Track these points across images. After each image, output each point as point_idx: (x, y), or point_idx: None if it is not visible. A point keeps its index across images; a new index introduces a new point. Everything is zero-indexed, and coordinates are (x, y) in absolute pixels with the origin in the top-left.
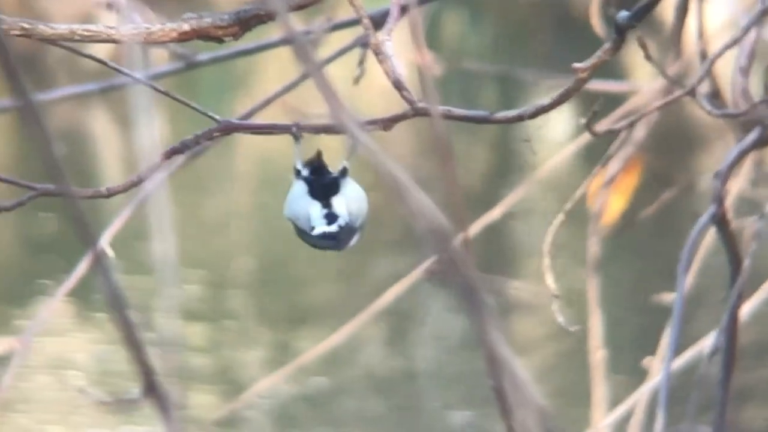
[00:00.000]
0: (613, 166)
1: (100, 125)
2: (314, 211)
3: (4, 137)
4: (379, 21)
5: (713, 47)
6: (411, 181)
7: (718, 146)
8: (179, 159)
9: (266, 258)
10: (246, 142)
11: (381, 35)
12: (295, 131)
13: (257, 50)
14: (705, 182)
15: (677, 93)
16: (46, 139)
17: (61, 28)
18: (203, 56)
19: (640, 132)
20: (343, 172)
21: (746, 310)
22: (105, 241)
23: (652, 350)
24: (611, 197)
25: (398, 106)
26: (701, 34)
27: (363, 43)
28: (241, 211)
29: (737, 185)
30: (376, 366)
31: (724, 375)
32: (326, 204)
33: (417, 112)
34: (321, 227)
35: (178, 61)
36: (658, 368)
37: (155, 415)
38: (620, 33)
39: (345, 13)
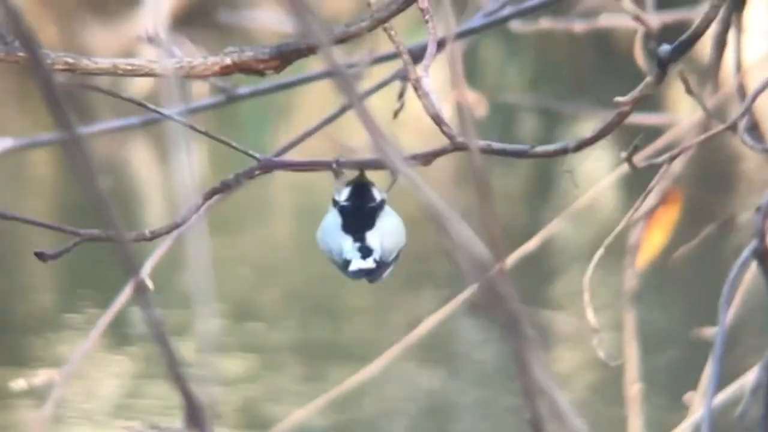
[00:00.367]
0: (652, 199)
1: (140, 158)
2: (347, 244)
3: (47, 169)
4: (418, 55)
5: (751, 81)
6: (453, 213)
7: (759, 180)
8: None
9: (302, 290)
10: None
11: (419, 71)
12: (336, 167)
13: (297, 83)
14: (746, 217)
15: (719, 128)
16: (91, 174)
17: (104, 62)
18: (244, 89)
19: (678, 165)
20: (381, 204)
21: None
22: (145, 274)
23: (693, 386)
24: (651, 231)
25: (436, 140)
26: (739, 68)
27: (402, 77)
28: (278, 242)
29: None
30: (410, 399)
31: (766, 411)
32: (360, 237)
33: (456, 147)
34: (357, 262)
35: (219, 94)
36: (699, 403)
37: None
38: (662, 67)
39: (385, 47)
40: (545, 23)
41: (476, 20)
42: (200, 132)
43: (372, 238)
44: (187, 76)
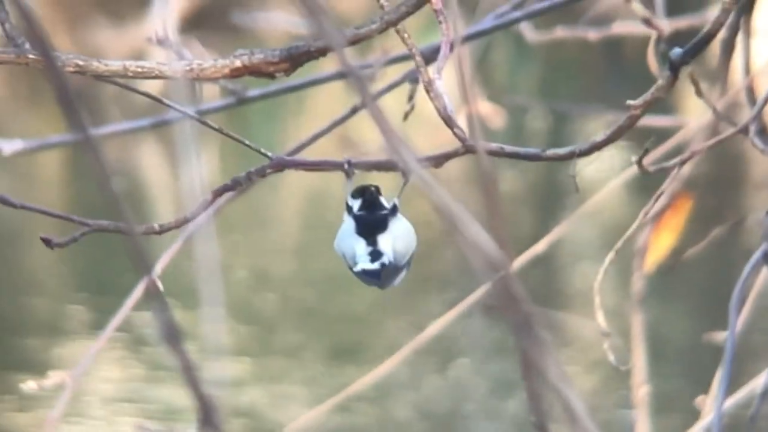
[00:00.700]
0: (662, 202)
1: (151, 160)
2: (359, 248)
3: (56, 171)
4: (429, 57)
5: (760, 83)
6: (466, 214)
7: None
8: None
9: (311, 293)
10: (293, 174)
11: (431, 73)
12: (348, 168)
13: (308, 86)
14: (756, 219)
15: (730, 132)
16: (105, 174)
17: (115, 64)
18: (254, 92)
19: (687, 168)
20: (394, 210)
21: None
22: (155, 275)
23: (705, 389)
24: (659, 234)
25: (445, 143)
26: (748, 71)
27: (412, 79)
28: (287, 246)
29: None
30: (421, 401)
31: None
32: (372, 242)
33: (468, 150)
34: (363, 264)
35: (229, 97)
36: (710, 407)
37: None
38: (674, 70)
39: (397, 48)
40: (560, 32)
41: (487, 22)
42: (214, 129)
43: (384, 242)
44: (196, 79)
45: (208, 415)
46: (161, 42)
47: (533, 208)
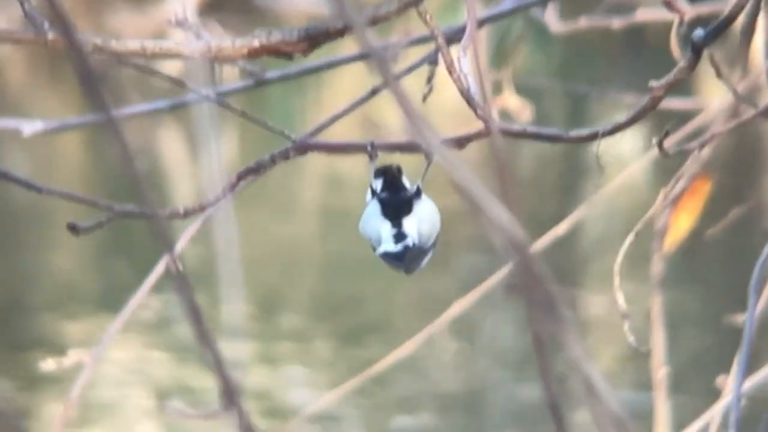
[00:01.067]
0: (681, 183)
1: (170, 143)
2: (384, 230)
3: (74, 154)
4: (450, 38)
5: None
6: (489, 194)
7: None
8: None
9: (330, 277)
10: (313, 157)
11: (456, 52)
12: (371, 150)
13: (327, 67)
14: None
15: (750, 114)
16: (128, 155)
17: (133, 44)
18: (272, 73)
19: (707, 150)
20: (418, 192)
21: None
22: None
23: (726, 371)
24: (679, 215)
25: (464, 125)
26: None
27: (431, 61)
28: (307, 231)
29: None
30: (440, 383)
31: None
32: (397, 224)
33: (490, 131)
34: (386, 246)
35: (248, 78)
36: (731, 387)
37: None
38: (696, 51)
39: (416, 31)
40: (584, 21)
41: (506, 4)
42: (235, 111)
43: (409, 224)
44: (215, 59)
45: (230, 394)
46: (180, 24)
47: (555, 191)
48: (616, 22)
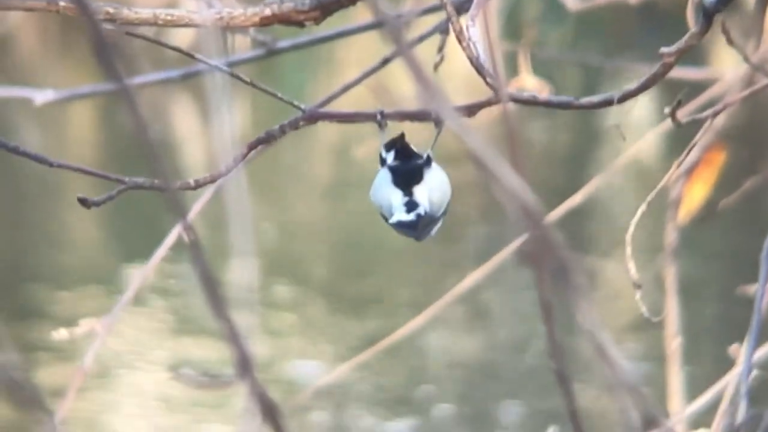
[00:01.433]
0: (695, 154)
1: (181, 113)
2: (395, 199)
3: (86, 125)
4: (460, 7)
5: None
6: (501, 162)
7: None
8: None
9: (340, 251)
10: (323, 128)
11: (465, 20)
12: (380, 119)
13: (338, 36)
14: None
15: (763, 83)
16: (141, 123)
17: (145, 12)
18: (284, 43)
19: (721, 119)
20: (428, 160)
21: None
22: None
23: (739, 340)
24: (693, 186)
25: (474, 95)
26: None
27: (443, 30)
28: (317, 192)
29: None
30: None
31: None
32: (408, 192)
33: (500, 99)
34: (399, 215)
35: (259, 48)
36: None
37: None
38: (707, 17)
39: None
40: None
41: None
42: (245, 81)
43: (420, 192)
44: (227, 27)
45: (244, 363)
46: None
47: (570, 160)
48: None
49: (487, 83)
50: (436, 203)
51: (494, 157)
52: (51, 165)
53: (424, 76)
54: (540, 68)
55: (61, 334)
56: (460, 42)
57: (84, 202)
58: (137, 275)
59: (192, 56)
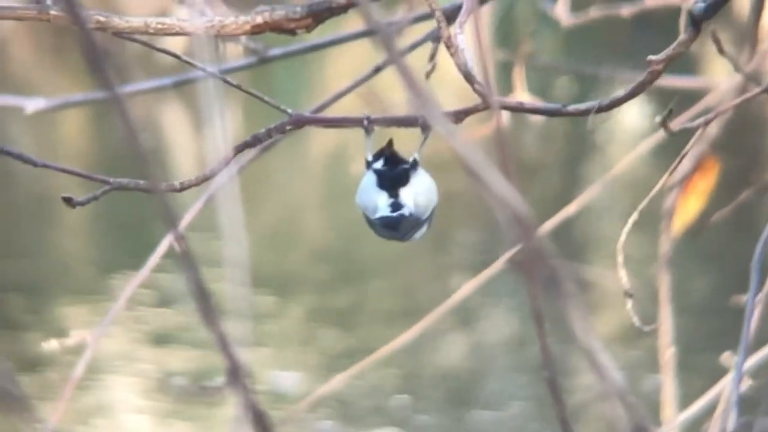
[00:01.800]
0: (687, 164)
1: (174, 119)
2: (381, 200)
3: (77, 131)
4: (451, 15)
5: None
6: (492, 168)
7: None
8: (250, 153)
9: (332, 254)
10: (316, 138)
11: (453, 28)
12: (367, 124)
13: (330, 44)
14: None
15: (756, 91)
16: (133, 131)
17: (136, 21)
18: (276, 51)
19: (714, 130)
20: (414, 164)
21: None
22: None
23: (733, 350)
24: (687, 198)
25: (466, 103)
26: None
27: (434, 38)
28: (308, 205)
29: None
30: (445, 363)
31: None
32: (394, 194)
33: (488, 106)
34: (382, 212)
35: (251, 56)
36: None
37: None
38: (696, 25)
39: (420, 8)
40: (594, 12)
41: None
42: (234, 86)
43: (406, 194)
44: (218, 35)
45: (235, 372)
46: (184, 1)
47: (561, 171)
48: (625, 11)
49: (475, 90)
50: (422, 206)
51: (483, 162)
52: (35, 165)
53: (415, 84)
54: (533, 77)
55: (51, 344)
56: (448, 49)
57: (69, 201)
58: (128, 285)
59: (187, 61)
